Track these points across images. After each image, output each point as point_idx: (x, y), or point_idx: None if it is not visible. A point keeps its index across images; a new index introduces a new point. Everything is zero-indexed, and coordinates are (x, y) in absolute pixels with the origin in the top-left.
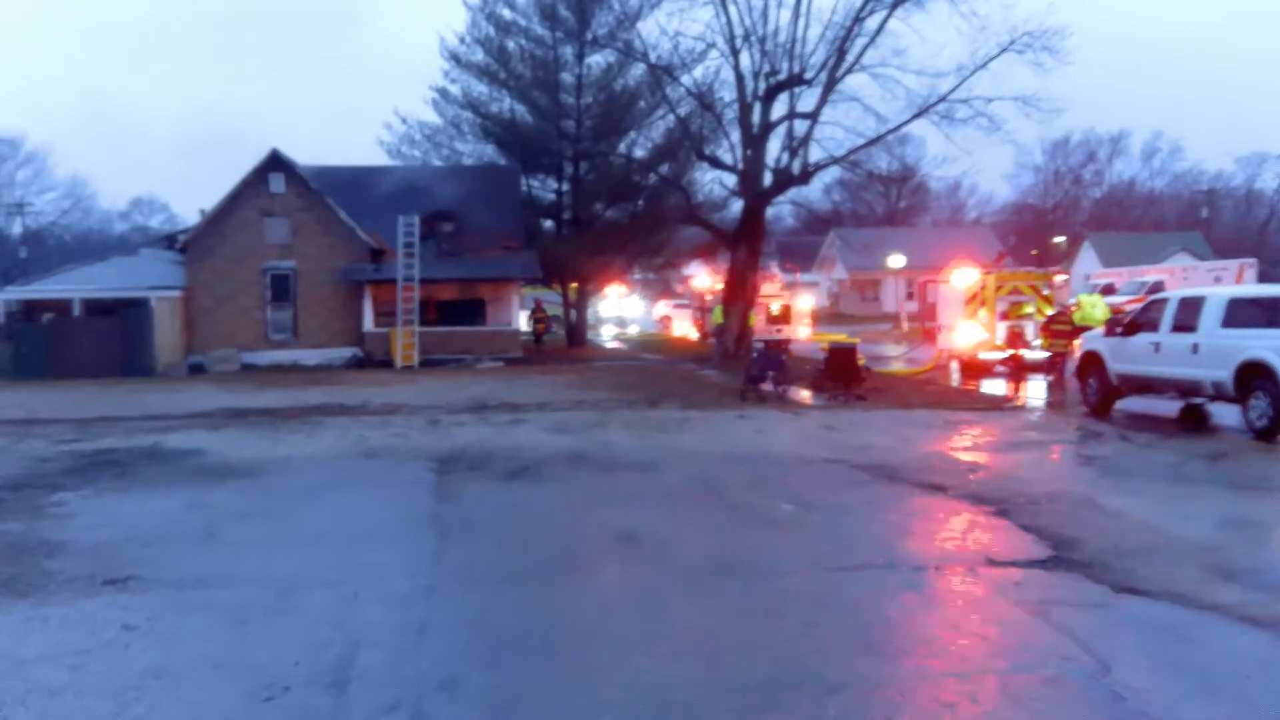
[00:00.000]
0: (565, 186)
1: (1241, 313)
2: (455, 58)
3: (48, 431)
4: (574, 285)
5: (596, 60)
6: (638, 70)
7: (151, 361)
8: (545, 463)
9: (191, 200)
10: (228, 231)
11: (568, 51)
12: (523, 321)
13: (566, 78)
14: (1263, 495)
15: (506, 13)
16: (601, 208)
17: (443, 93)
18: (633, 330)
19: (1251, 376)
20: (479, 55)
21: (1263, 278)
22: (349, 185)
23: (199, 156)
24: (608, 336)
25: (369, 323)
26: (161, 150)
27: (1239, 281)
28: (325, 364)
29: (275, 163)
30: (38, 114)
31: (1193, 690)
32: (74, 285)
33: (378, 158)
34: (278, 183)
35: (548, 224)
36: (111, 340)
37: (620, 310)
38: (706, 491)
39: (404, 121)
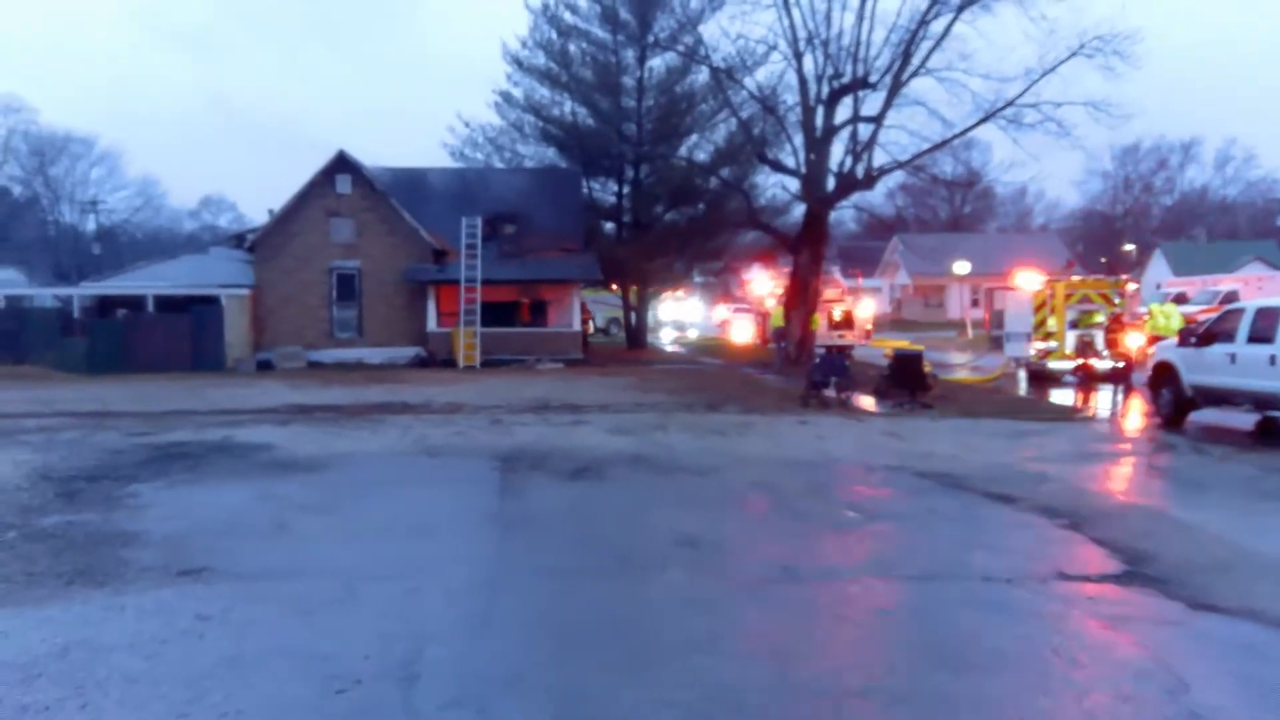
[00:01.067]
0: (625, 189)
1: None
2: (517, 61)
3: (120, 424)
4: (634, 288)
5: (658, 63)
6: (699, 73)
7: (221, 357)
8: (606, 463)
9: (259, 199)
10: (295, 231)
11: (629, 55)
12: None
13: (627, 81)
14: None
15: (568, 16)
16: (661, 210)
17: (505, 96)
18: (692, 334)
19: None
20: (541, 59)
21: None
22: (412, 186)
23: (267, 156)
24: (667, 340)
25: (432, 322)
26: (230, 149)
27: None
28: (389, 362)
29: (342, 163)
30: (110, 112)
31: (1272, 710)
32: (146, 282)
33: (442, 160)
34: (344, 183)
35: (608, 226)
36: (182, 336)
37: (680, 313)
38: (767, 496)
39: (467, 124)
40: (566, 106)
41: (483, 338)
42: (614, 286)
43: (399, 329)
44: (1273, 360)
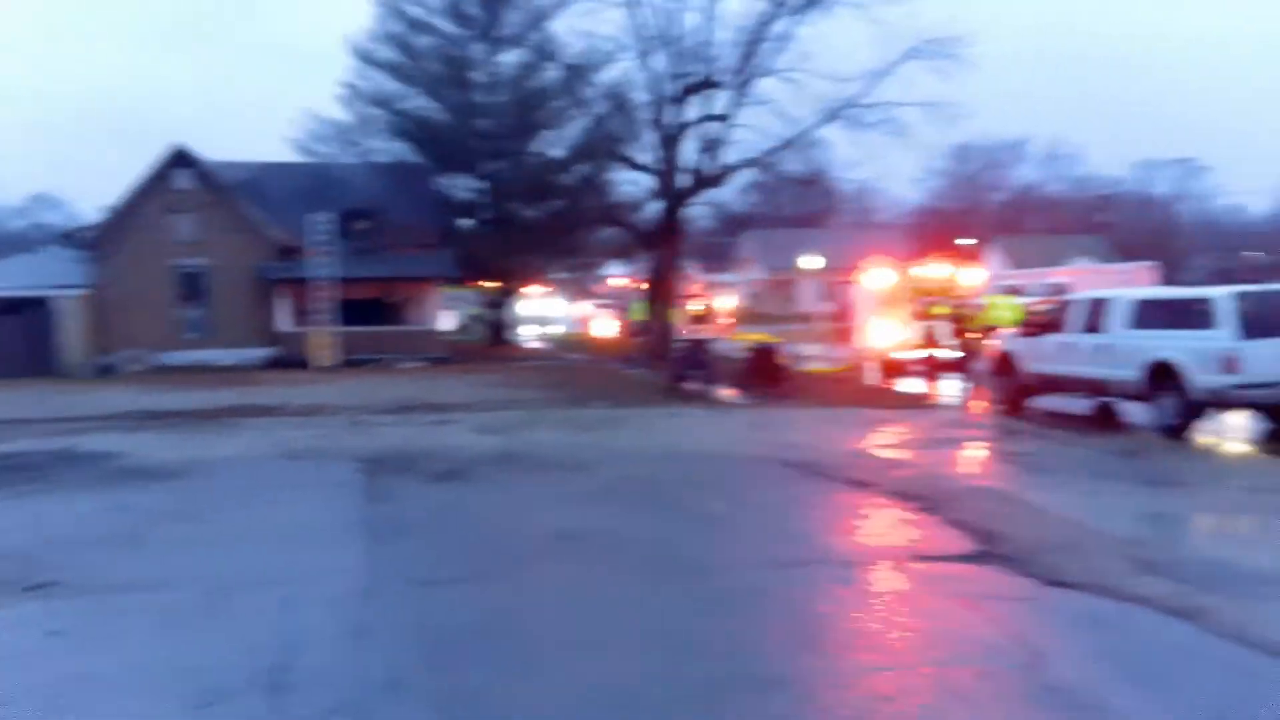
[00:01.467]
0: (483, 185)
1: (1148, 313)
2: (364, 54)
3: None
4: (495, 285)
5: (509, 59)
6: (552, 69)
7: (58, 362)
8: (475, 464)
9: (95, 197)
10: (133, 228)
11: (478, 49)
12: (444, 321)
13: (478, 76)
14: (1176, 490)
15: (415, 10)
16: (519, 207)
17: (352, 89)
18: (555, 330)
19: (1159, 376)
20: (388, 52)
21: (1163, 280)
22: (260, 182)
23: (102, 151)
24: (530, 336)
25: (285, 322)
26: (61, 144)
27: (1139, 284)
28: (241, 364)
29: (181, 158)
30: None
31: (1122, 680)
32: None
33: (288, 155)
34: (184, 178)
35: (466, 223)
36: (15, 341)
37: (542, 310)
38: (641, 490)
39: (313, 118)
40: (417, 101)
41: (340, 337)
42: (474, 284)
43: (251, 329)
44: (1104, 349)
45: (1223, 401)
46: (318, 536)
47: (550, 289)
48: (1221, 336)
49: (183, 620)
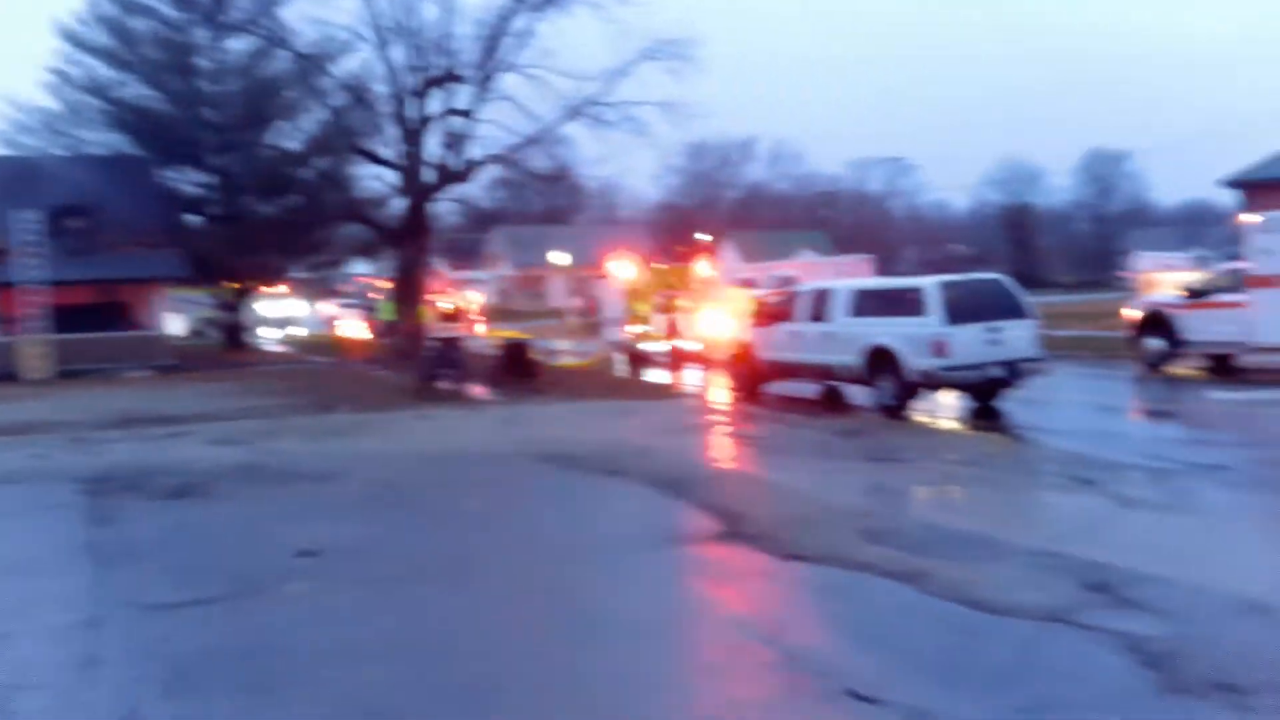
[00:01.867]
0: (212, 179)
1: (866, 303)
2: (74, 38)
3: None
4: (230, 285)
5: (238, 45)
6: (285, 57)
7: None
8: (213, 478)
9: None
10: None
11: (202, 35)
12: (175, 325)
13: (203, 63)
14: (895, 465)
15: None
16: (253, 202)
17: (61, 76)
18: (298, 331)
19: (878, 361)
20: (102, 36)
21: (879, 271)
22: None
23: None
24: (271, 339)
25: None
26: None
27: (857, 275)
28: None
29: None
30: None
31: (855, 643)
32: None
33: None
34: None
35: (195, 219)
36: None
37: (284, 310)
38: (392, 496)
39: (17, 108)
40: (134, 89)
41: (54, 346)
42: (207, 284)
43: None
44: (828, 336)
45: (934, 382)
46: (36, 566)
47: (292, 289)
48: (931, 323)
49: None
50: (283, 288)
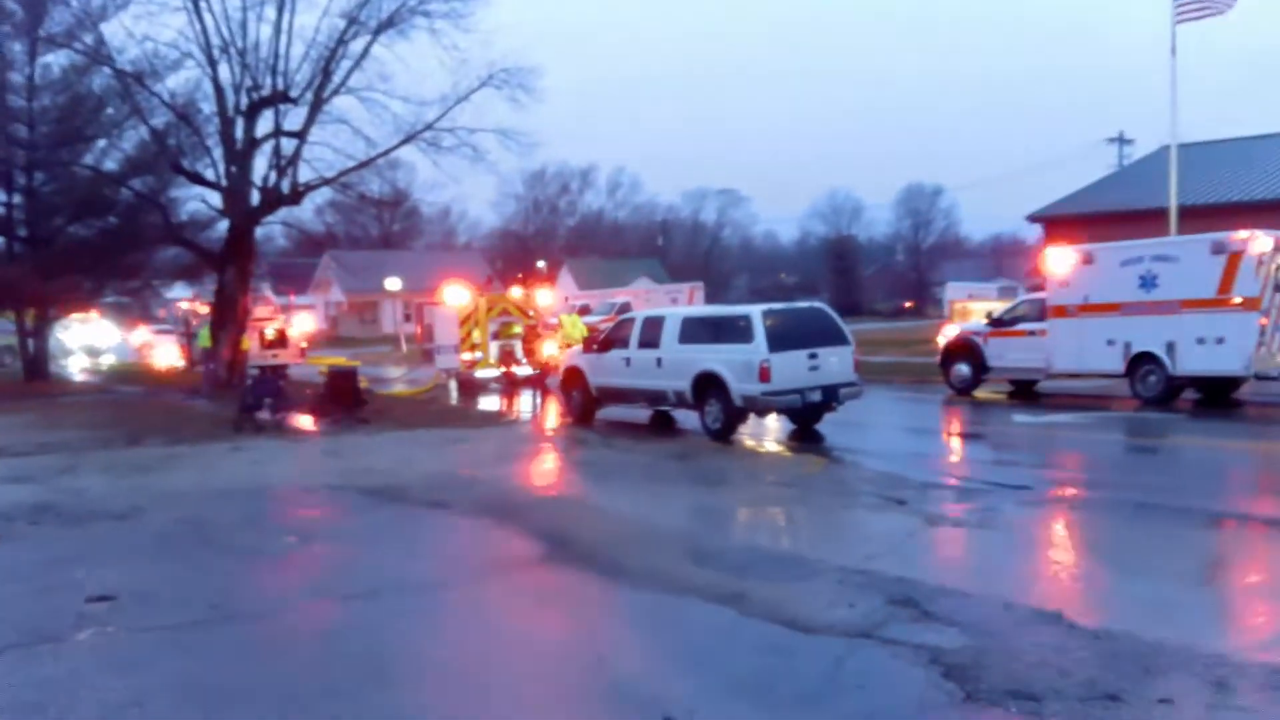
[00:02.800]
0: (17, 199)
1: (695, 330)
2: None
3: None
4: (31, 311)
5: (55, 60)
6: (106, 74)
7: None
8: (2, 519)
9: None
10: None
11: (18, 48)
12: None
13: (16, 77)
14: (721, 488)
15: None
16: (63, 224)
17: None
18: (107, 360)
19: (706, 386)
20: None
21: (709, 298)
22: None
23: None
24: (76, 368)
25: None
26: None
27: (690, 302)
28: None
29: None
30: None
31: (676, 667)
32: None
33: None
34: None
35: None
36: None
37: (91, 338)
38: (198, 534)
39: None
40: None
41: None
42: (7, 310)
43: None
44: (659, 363)
45: (757, 407)
46: None
47: (102, 314)
48: (754, 350)
49: None
50: (92, 313)
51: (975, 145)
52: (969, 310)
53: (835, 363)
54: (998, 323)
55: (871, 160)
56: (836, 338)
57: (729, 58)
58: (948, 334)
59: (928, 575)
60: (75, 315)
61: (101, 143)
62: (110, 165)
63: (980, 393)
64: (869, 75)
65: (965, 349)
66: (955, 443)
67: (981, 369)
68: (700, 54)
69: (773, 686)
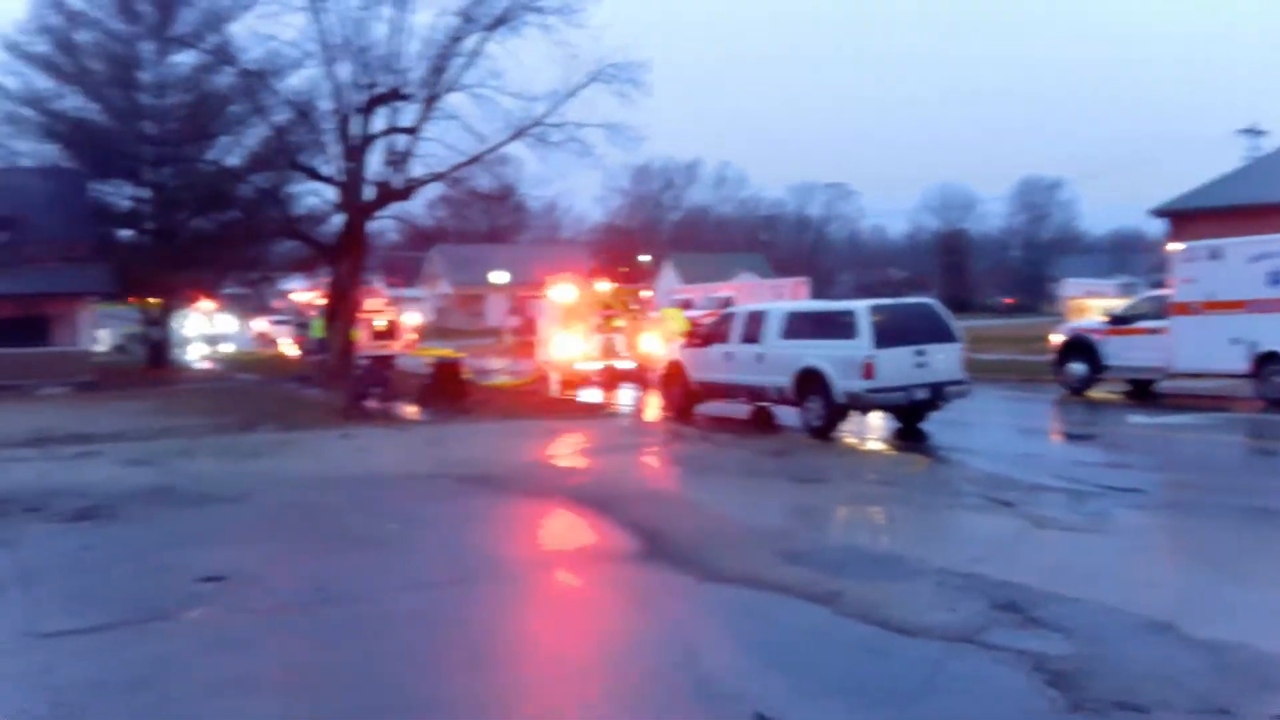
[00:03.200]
0: (146, 194)
1: (798, 325)
2: (13, 47)
3: None
4: (158, 301)
5: (183, 60)
6: (230, 73)
7: None
8: (122, 500)
9: None
10: None
11: (148, 49)
12: (98, 341)
13: (146, 76)
14: (819, 486)
15: (77, 2)
16: (188, 217)
17: None
18: (226, 348)
19: (808, 382)
20: (42, 46)
21: (814, 294)
22: None
23: None
24: (198, 356)
25: None
26: None
27: (795, 297)
28: None
29: None
30: None
31: (767, 665)
32: None
33: None
34: None
35: (126, 234)
36: None
37: (212, 327)
38: (306, 518)
39: None
40: (73, 100)
41: None
42: (134, 300)
43: None
44: (760, 358)
45: (860, 404)
46: None
47: (222, 305)
48: (859, 346)
49: None
50: (212, 304)
51: (1096, 137)
52: (1086, 307)
53: (943, 360)
54: (1116, 320)
55: (986, 152)
56: (945, 334)
57: (838, 48)
58: (1062, 332)
59: (1034, 580)
60: (197, 305)
61: (225, 139)
62: (233, 161)
63: (1095, 392)
64: (984, 64)
65: (1081, 347)
66: (1066, 444)
67: (1097, 368)
68: (808, 45)
69: (867, 688)
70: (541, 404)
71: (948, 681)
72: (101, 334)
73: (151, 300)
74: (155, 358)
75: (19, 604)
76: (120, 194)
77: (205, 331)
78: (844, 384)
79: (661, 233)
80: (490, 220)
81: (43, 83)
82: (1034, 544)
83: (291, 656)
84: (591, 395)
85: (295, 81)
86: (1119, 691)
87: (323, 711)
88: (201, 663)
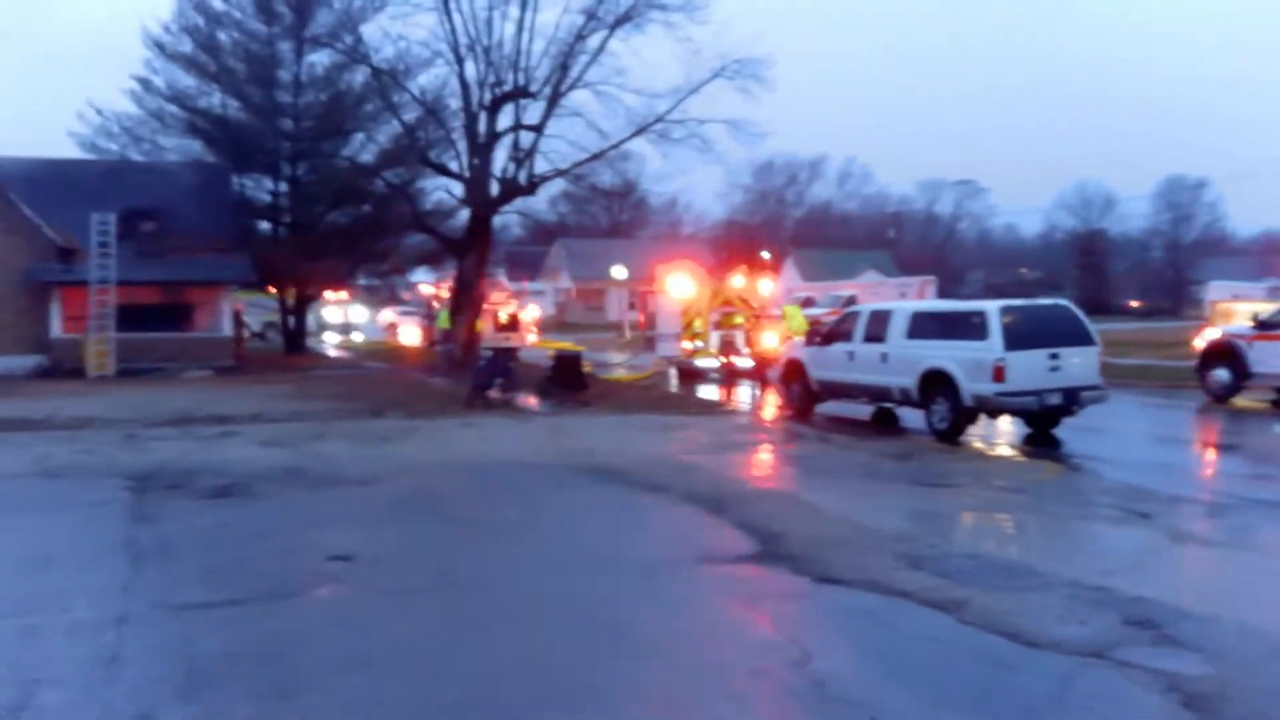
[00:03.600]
0: (283, 188)
1: (923, 325)
2: (160, 46)
3: None
4: (293, 290)
5: (319, 59)
6: (363, 72)
7: None
8: (256, 479)
9: None
10: None
11: (285, 48)
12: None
13: (284, 75)
14: (943, 491)
15: (218, 3)
16: (323, 211)
17: (144, 83)
18: (357, 337)
19: (933, 384)
20: (186, 45)
21: (941, 293)
22: (36, 179)
23: None
24: (330, 344)
25: (57, 328)
26: None
27: (921, 297)
28: (6, 373)
29: None
30: None
31: (885, 672)
32: None
33: (72, 152)
34: None
35: (265, 226)
36: None
37: (344, 317)
38: (430, 503)
39: (99, 112)
40: (215, 98)
41: (119, 344)
42: (272, 289)
43: (17, 335)
44: (884, 358)
45: (989, 408)
46: (73, 561)
47: (353, 295)
48: (989, 348)
49: None
50: (345, 294)
51: (1245, 135)
52: (1232, 311)
53: (1078, 364)
54: (1265, 325)
55: (1126, 150)
56: (1080, 337)
57: (968, 41)
58: (1207, 336)
59: (1170, 596)
60: (331, 295)
61: (358, 136)
62: (365, 158)
63: (1240, 400)
64: (1124, 58)
65: (1226, 353)
66: (1208, 454)
67: (1243, 375)
68: (937, 38)
69: (990, 700)
70: (659, 399)
71: (1078, 698)
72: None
73: (288, 290)
74: (292, 344)
75: (158, 577)
76: (260, 188)
77: (338, 320)
78: (972, 386)
79: (783, 229)
80: (611, 216)
81: (187, 81)
82: (1171, 558)
83: (414, 638)
84: (709, 392)
85: (425, 80)
86: (1259, 716)
87: (447, 695)
88: (329, 639)
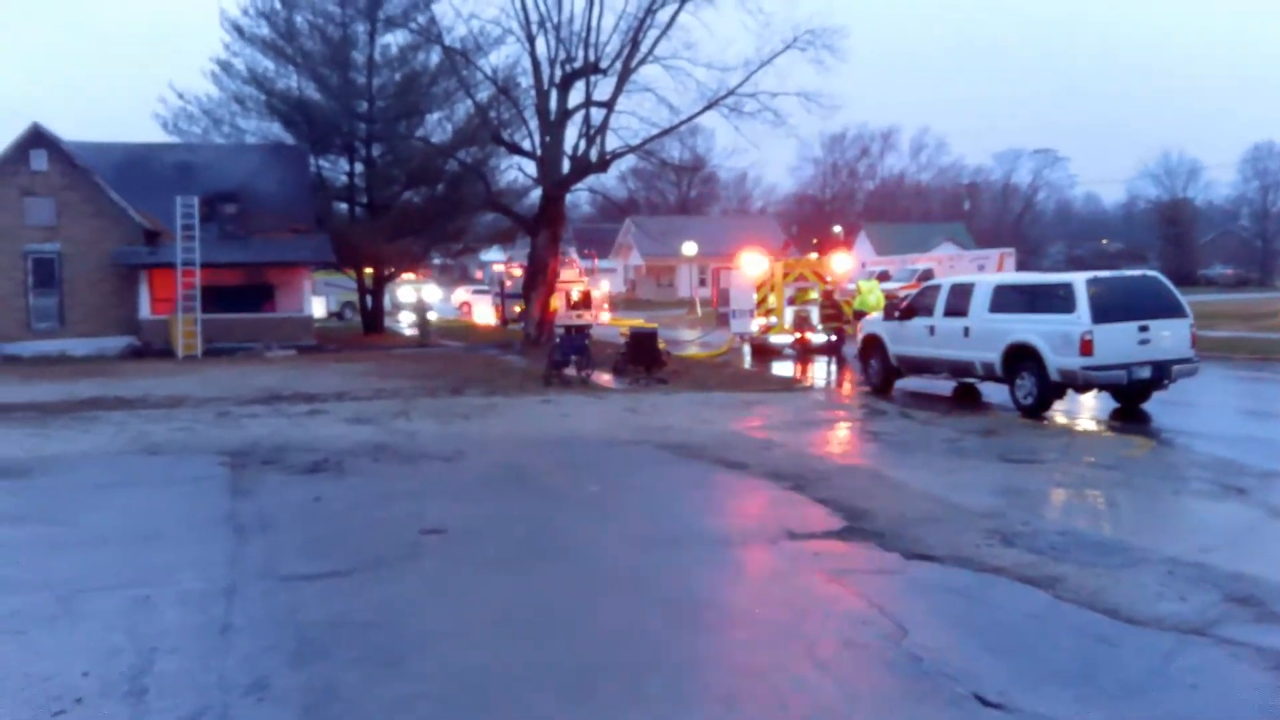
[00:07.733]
0: (359, 168)
1: (1006, 298)
2: (238, 30)
3: None
4: (370, 270)
5: (392, 40)
6: (436, 52)
7: None
8: (346, 455)
9: None
10: None
11: (360, 30)
12: (316, 307)
13: (358, 56)
14: (1031, 467)
15: None
16: (398, 191)
17: (224, 66)
18: (432, 316)
19: (1018, 358)
20: (264, 28)
21: (1020, 265)
22: (121, 163)
23: None
24: (406, 323)
25: (146, 310)
26: None
27: (1000, 269)
28: (98, 354)
29: (37, 138)
30: None
31: (982, 647)
32: None
33: (154, 135)
34: (39, 160)
35: (341, 207)
36: None
37: (419, 295)
38: (514, 477)
39: (180, 96)
40: (292, 80)
41: (205, 325)
42: (349, 269)
43: (108, 317)
44: (966, 332)
45: (1076, 382)
46: (178, 534)
47: (429, 275)
48: (1076, 320)
49: (33, 625)
50: (421, 273)
51: None
52: None
53: (1168, 337)
54: None
55: (1212, 118)
56: (1171, 309)
57: (1046, 5)
58: None
59: (1271, 573)
60: (407, 274)
61: (432, 117)
62: (439, 138)
63: None
64: (1209, 24)
65: None
66: None
67: None
68: (1014, 2)
69: (1092, 676)
70: (735, 376)
71: (1181, 674)
72: (319, 300)
73: (366, 270)
74: (369, 323)
75: (261, 549)
76: (336, 169)
77: (413, 300)
78: (1058, 360)
79: (856, 203)
80: (681, 192)
81: (265, 63)
82: (1270, 534)
83: (512, 608)
84: (785, 369)
85: (496, 59)
86: None
87: (542, 661)
88: (429, 609)
